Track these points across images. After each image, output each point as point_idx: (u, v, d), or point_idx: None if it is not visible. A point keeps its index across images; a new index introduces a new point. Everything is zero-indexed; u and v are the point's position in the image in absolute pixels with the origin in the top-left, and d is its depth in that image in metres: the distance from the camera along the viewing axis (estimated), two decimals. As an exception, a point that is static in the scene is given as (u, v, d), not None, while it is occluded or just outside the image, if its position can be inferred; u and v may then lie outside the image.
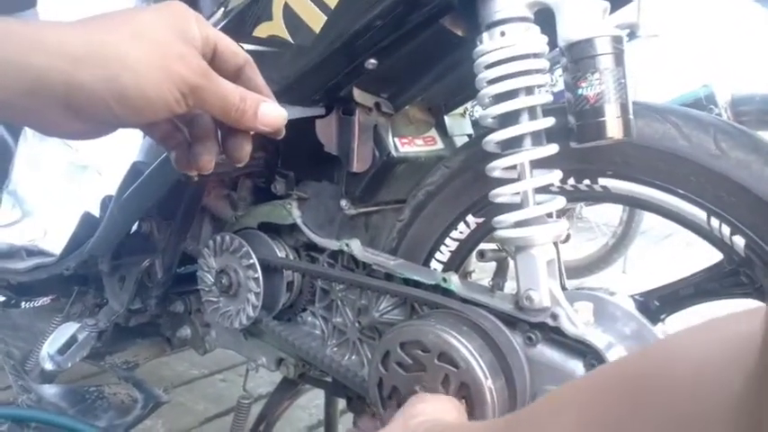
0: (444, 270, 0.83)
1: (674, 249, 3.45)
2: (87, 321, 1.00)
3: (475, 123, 1.06)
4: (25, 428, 0.81)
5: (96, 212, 1.04)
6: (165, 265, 1.01)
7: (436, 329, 0.64)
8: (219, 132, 0.48)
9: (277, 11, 0.72)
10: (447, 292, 0.73)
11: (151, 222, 0.99)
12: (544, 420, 0.37)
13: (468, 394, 0.62)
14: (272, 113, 0.46)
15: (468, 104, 1.00)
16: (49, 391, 0.97)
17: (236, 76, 0.46)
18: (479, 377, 0.61)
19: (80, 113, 0.39)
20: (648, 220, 3.01)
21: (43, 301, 1.53)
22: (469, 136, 0.99)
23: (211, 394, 1.57)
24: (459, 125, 0.99)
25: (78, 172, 1.31)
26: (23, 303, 1.59)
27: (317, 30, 0.69)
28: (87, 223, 1.03)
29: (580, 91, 0.61)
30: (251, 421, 1.06)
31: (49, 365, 0.98)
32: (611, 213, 3.15)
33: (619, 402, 0.32)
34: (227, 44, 0.45)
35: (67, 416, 0.88)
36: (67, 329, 1.00)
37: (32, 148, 1.38)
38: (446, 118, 0.96)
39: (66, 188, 1.34)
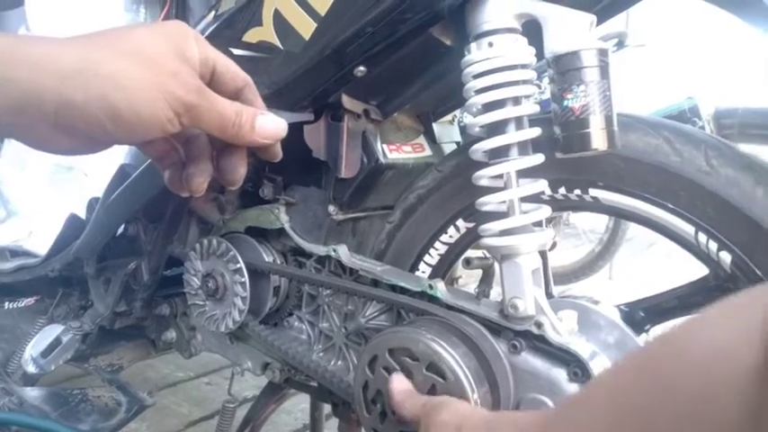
0: (433, 274, 0.84)
1: (659, 257, 3.49)
2: (72, 324, 0.99)
3: (463, 131, 1.07)
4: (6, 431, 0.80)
5: (82, 214, 1.03)
6: (151, 268, 1.01)
7: (427, 338, 0.64)
8: (215, 154, 0.48)
9: (267, 16, 0.72)
10: (433, 299, 0.74)
11: (138, 225, 0.99)
12: (582, 415, 0.38)
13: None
14: (270, 125, 0.46)
15: (457, 112, 1.01)
16: (32, 393, 0.96)
17: (234, 97, 0.46)
18: (466, 390, 0.61)
19: (70, 131, 0.38)
20: (634, 227, 3.03)
21: (27, 302, 1.51)
22: (458, 143, 0.99)
23: (196, 397, 1.56)
24: (448, 132, 1.00)
25: (64, 173, 1.30)
26: (7, 304, 1.57)
27: (307, 36, 0.69)
28: (73, 225, 1.03)
29: (566, 102, 0.62)
30: (236, 425, 1.06)
31: (31, 368, 0.97)
32: (598, 220, 3.18)
33: (643, 392, 0.33)
34: (226, 65, 0.45)
35: (50, 419, 0.87)
36: (51, 332, 0.99)
37: (18, 149, 1.37)
38: (434, 125, 0.96)
39: (52, 189, 1.33)
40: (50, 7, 1.13)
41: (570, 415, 0.41)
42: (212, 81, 0.44)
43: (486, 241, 0.67)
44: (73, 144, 0.40)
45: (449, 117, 1.00)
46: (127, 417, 0.93)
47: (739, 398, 0.27)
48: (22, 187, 1.37)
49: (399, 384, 0.62)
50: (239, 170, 0.48)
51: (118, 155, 0.95)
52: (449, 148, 0.97)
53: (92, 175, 1.25)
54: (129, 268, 0.97)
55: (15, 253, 1.28)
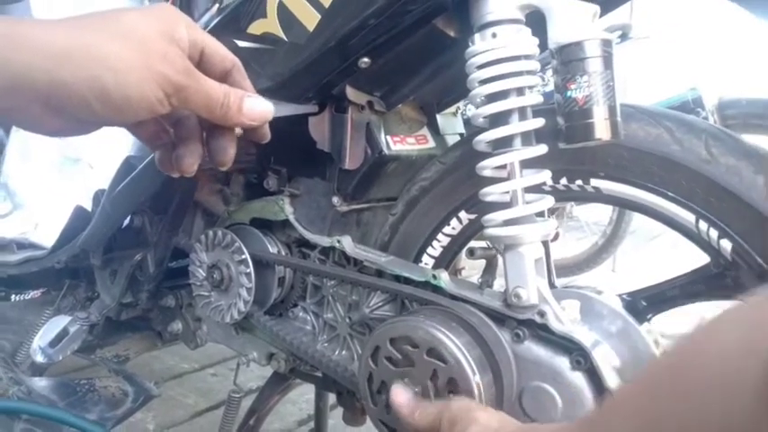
0: (436, 265, 0.84)
1: (662, 249, 3.48)
2: (78, 315, 1.00)
3: (467, 122, 1.07)
4: (16, 420, 0.81)
5: (88, 206, 1.04)
6: (157, 260, 1.01)
7: (425, 325, 0.65)
8: (205, 135, 0.48)
9: (271, 8, 0.72)
10: (437, 289, 0.74)
11: (143, 216, 0.99)
12: (612, 425, 0.39)
13: (455, 389, 0.62)
14: (257, 107, 0.47)
15: (461, 103, 1.01)
16: (40, 383, 0.97)
17: (222, 79, 0.47)
18: (467, 373, 0.62)
19: (61, 111, 0.39)
20: (637, 220, 3.03)
21: (34, 294, 1.52)
22: (461, 135, 1.00)
23: (202, 388, 1.58)
24: (451, 124, 1.00)
25: (70, 165, 1.31)
26: (14, 296, 1.58)
27: (311, 28, 0.70)
28: (79, 217, 1.03)
29: (569, 93, 0.62)
30: (241, 415, 1.07)
31: (39, 358, 0.98)
32: (601, 213, 3.18)
33: (667, 398, 0.33)
34: (215, 47, 0.46)
35: (58, 408, 0.88)
36: (58, 322, 1.00)
37: (24, 141, 1.38)
38: (438, 117, 0.97)
39: (57, 181, 1.34)
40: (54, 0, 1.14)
41: (597, 425, 0.41)
42: (201, 63, 0.45)
43: (490, 231, 0.68)
44: (63, 125, 0.40)
45: (452, 109, 1.00)
46: (133, 407, 0.94)
47: (752, 402, 0.27)
48: (28, 180, 1.38)
49: (401, 396, 0.60)
50: (229, 151, 0.49)
51: (123, 147, 0.96)
52: (452, 139, 0.97)
53: (97, 167, 1.25)
54: (135, 260, 0.98)
55: (22, 245, 1.29)
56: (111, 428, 0.89)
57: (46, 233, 1.24)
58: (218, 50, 0.46)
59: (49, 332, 0.99)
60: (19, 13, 1.31)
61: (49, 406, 0.88)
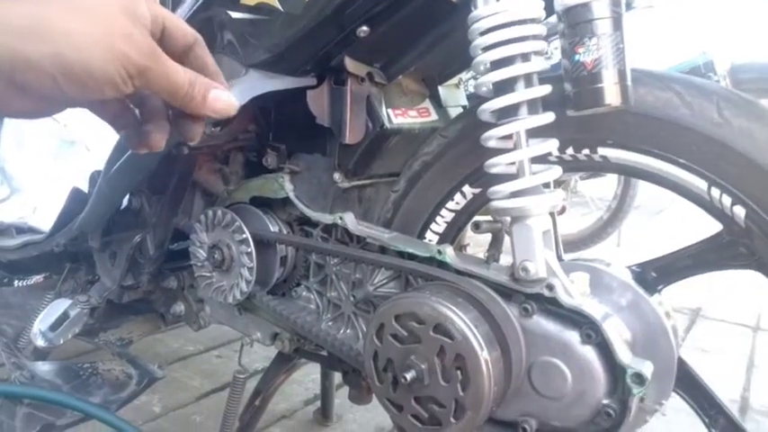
0: (440, 241, 0.83)
1: (667, 223, 3.46)
2: (79, 298, 0.99)
3: (470, 95, 1.04)
4: (18, 405, 0.80)
5: (85, 188, 1.02)
6: (157, 241, 1.00)
7: (431, 301, 0.63)
8: (171, 112, 0.47)
9: (265, -23, 0.70)
10: (442, 265, 0.73)
11: (141, 197, 0.98)
12: None
13: (463, 365, 0.61)
14: (221, 101, 0.45)
15: (463, 75, 0.99)
16: (43, 368, 0.97)
17: (184, 55, 0.45)
18: (475, 348, 0.60)
19: (26, 89, 0.38)
20: (642, 194, 3.01)
21: (36, 279, 1.52)
22: (464, 107, 0.97)
23: (207, 370, 1.57)
24: (454, 96, 0.97)
25: (66, 147, 1.29)
26: (16, 282, 1.58)
27: (307, -4, 0.67)
28: (76, 199, 1.02)
29: (577, 57, 0.60)
30: (247, 396, 1.06)
31: (40, 342, 0.97)
32: (606, 188, 3.15)
33: None
34: (176, 23, 0.44)
35: (61, 392, 0.87)
36: (59, 306, 0.99)
37: (19, 125, 1.36)
38: (440, 89, 0.94)
39: (54, 164, 1.32)
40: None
41: None
42: (163, 39, 0.43)
43: (496, 204, 0.66)
44: (28, 105, 0.40)
45: (455, 80, 0.97)
46: (137, 389, 0.93)
47: None
48: (25, 164, 1.36)
49: None
50: (196, 128, 0.48)
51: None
52: (455, 112, 0.95)
53: (94, 149, 1.23)
54: (135, 241, 0.97)
55: (21, 230, 1.28)
56: (116, 411, 0.88)
57: (44, 217, 1.22)
58: (180, 26, 0.44)
59: (50, 316, 0.98)
60: None
61: (51, 390, 0.87)
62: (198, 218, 0.95)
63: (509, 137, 0.65)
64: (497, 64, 0.64)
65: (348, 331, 0.87)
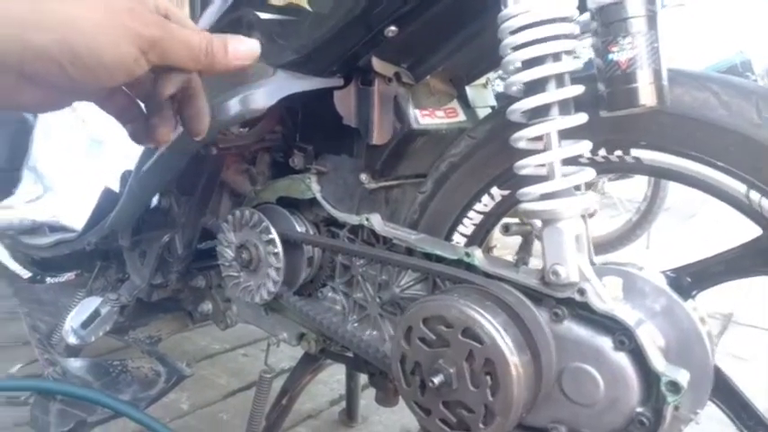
0: (468, 244, 0.82)
1: (698, 227, 3.38)
2: (109, 296, 1.00)
3: (498, 95, 1.03)
4: (51, 401, 0.82)
5: (116, 187, 1.03)
6: (185, 240, 1.01)
7: (459, 304, 0.63)
8: (177, 106, 0.46)
9: (294, -23, 0.69)
10: (470, 267, 0.72)
11: (170, 197, 0.99)
12: None
13: (493, 370, 0.60)
14: (242, 47, 0.44)
15: (491, 75, 0.97)
16: (74, 364, 0.98)
17: None
18: (505, 353, 0.59)
19: (37, 80, 0.37)
20: (673, 196, 2.94)
21: (68, 276, 1.55)
22: (492, 108, 0.96)
23: (233, 369, 1.59)
24: (481, 96, 0.96)
25: (96, 147, 1.31)
26: (48, 279, 1.61)
27: (336, -4, 0.67)
28: (107, 198, 1.03)
29: (611, 56, 0.58)
30: (273, 395, 1.07)
31: (72, 339, 0.99)
32: (635, 189, 3.09)
33: None
34: (177, 14, 0.43)
35: (92, 389, 0.88)
36: (90, 304, 1.01)
37: (51, 124, 1.39)
38: (467, 89, 0.93)
39: (85, 163, 1.34)
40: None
41: None
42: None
43: (526, 206, 0.64)
44: (40, 96, 0.39)
45: (482, 80, 0.96)
46: (166, 387, 0.94)
47: None
48: (56, 163, 1.39)
49: None
50: (203, 118, 0.47)
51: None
52: (483, 112, 0.93)
53: (125, 149, 1.25)
54: (164, 240, 0.98)
55: (53, 228, 1.30)
56: (145, 409, 0.89)
57: (76, 215, 1.25)
58: (179, 17, 0.43)
59: (81, 313, 1.00)
60: None
61: (83, 386, 0.88)
62: (225, 218, 0.96)
63: (540, 138, 0.64)
64: (528, 63, 0.62)
65: (374, 333, 0.87)
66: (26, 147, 1.41)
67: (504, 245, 1.16)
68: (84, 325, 0.99)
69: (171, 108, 0.46)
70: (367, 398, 1.39)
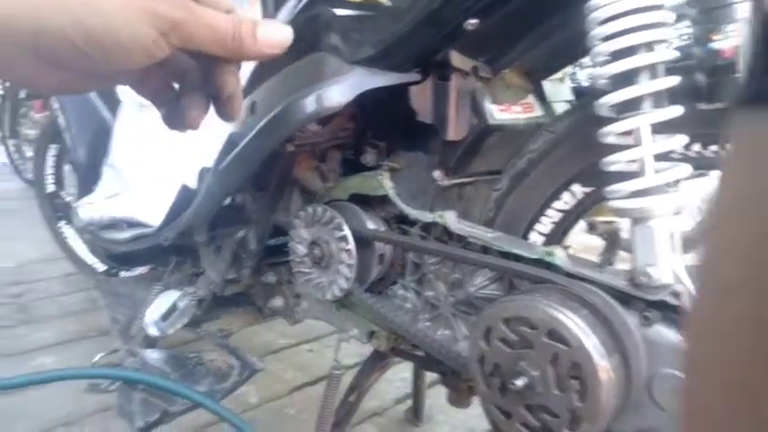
0: (546, 243, 0.79)
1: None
2: (187, 290, 1.03)
3: (574, 89, 1.00)
4: (134, 390, 0.85)
5: (193, 184, 1.06)
6: (258, 236, 1.02)
7: (544, 305, 0.60)
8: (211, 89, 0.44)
9: (373, -28, 0.69)
10: (550, 267, 0.69)
11: (244, 194, 1.00)
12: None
13: (580, 374, 0.58)
14: (273, 32, 0.40)
15: (568, 68, 0.94)
16: (153, 355, 1.02)
17: None
18: (594, 357, 0.57)
19: (55, 62, 0.36)
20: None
21: (140, 270, 1.61)
22: (569, 102, 0.93)
23: (299, 363, 1.61)
24: (558, 91, 0.93)
25: (175, 144, 1.35)
26: (122, 273, 1.68)
27: (416, -10, 0.66)
28: (184, 195, 1.06)
29: (712, 45, 0.55)
30: (341, 391, 1.07)
31: (153, 331, 1.02)
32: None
33: None
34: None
35: (171, 380, 0.91)
36: (168, 297, 1.04)
37: (129, 122, 1.44)
38: (544, 83, 0.90)
39: (162, 160, 1.38)
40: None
41: None
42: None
43: (616, 204, 0.62)
44: (61, 80, 0.38)
45: (559, 75, 0.93)
46: (240, 380, 0.96)
47: None
48: (135, 160, 1.44)
49: None
50: (236, 103, 0.44)
51: (226, 124, 0.97)
52: (559, 107, 0.90)
53: (201, 146, 1.28)
54: (238, 236, 0.99)
55: (131, 224, 1.35)
56: (220, 401, 0.91)
57: (152, 211, 1.29)
58: (212, 1, 0.40)
59: (161, 306, 1.03)
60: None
61: (163, 378, 0.91)
62: (296, 214, 0.97)
63: (630, 132, 0.61)
64: (618, 54, 0.60)
65: (446, 332, 0.85)
66: (105, 145, 1.47)
67: (580, 245, 1.12)
68: (164, 317, 1.02)
69: (203, 89, 0.44)
70: (432, 397, 1.38)
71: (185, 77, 0.44)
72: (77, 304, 1.92)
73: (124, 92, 1.49)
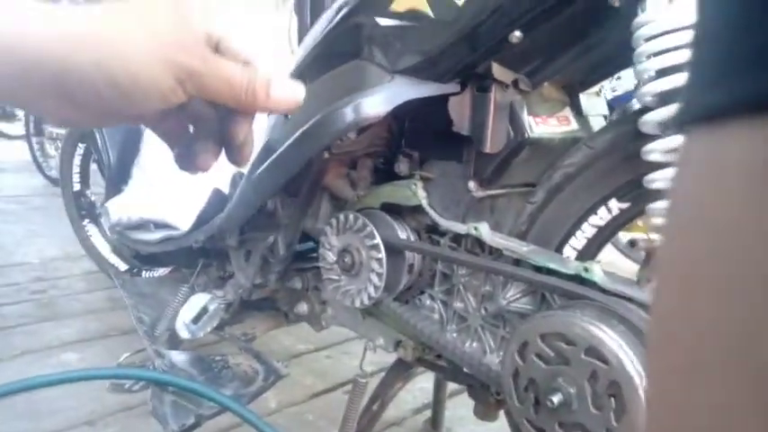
0: (579, 257, 0.79)
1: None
2: (216, 293, 1.03)
3: (610, 103, 0.99)
4: (165, 392, 0.85)
5: (223, 188, 1.07)
6: (287, 242, 1.03)
7: (583, 322, 0.60)
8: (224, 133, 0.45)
9: (417, -17, 0.69)
10: (587, 283, 0.69)
11: (276, 200, 1.01)
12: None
13: (618, 393, 0.57)
14: (286, 93, 0.42)
15: (606, 82, 0.94)
16: (179, 357, 1.02)
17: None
18: (633, 376, 0.56)
19: (73, 100, 0.37)
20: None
21: (162, 271, 1.62)
22: (605, 117, 0.92)
23: (318, 369, 1.61)
24: (594, 105, 0.93)
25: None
26: (144, 273, 1.69)
27: (461, 2, 0.66)
28: (217, 199, 1.07)
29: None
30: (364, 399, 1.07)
31: (185, 334, 1.03)
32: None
33: None
34: (229, 43, 0.41)
35: (200, 383, 0.92)
36: (199, 300, 1.05)
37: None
38: (581, 96, 0.90)
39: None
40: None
41: None
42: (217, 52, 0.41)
43: (657, 221, 0.61)
44: (81, 115, 0.39)
45: (596, 88, 0.92)
46: (265, 385, 0.96)
47: None
48: (164, 162, 1.45)
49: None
50: (246, 150, 0.45)
51: (260, 130, 0.97)
52: (595, 121, 0.90)
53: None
54: (268, 242, 1.00)
55: (158, 225, 1.37)
56: (247, 405, 0.91)
57: (182, 214, 1.30)
58: (232, 50, 0.41)
59: (192, 309, 1.04)
60: None
61: (192, 381, 0.91)
62: (325, 221, 0.97)
63: (675, 150, 0.60)
64: (665, 72, 0.59)
65: (474, 344, 0.85)
66: (136, 146, 1.49)
67: (610, 261, 1.11)
68: (195, 320, 1.02)
69: (216, 135, 0.44)
70: (451, 408, 1.37)
71: (200, 122, 0.45)
72: (99, 302, 1.94)
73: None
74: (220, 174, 1.12)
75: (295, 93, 0.43)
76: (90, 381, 1.06)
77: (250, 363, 1.03)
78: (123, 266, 1.82)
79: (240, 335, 1.19)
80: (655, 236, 0.67)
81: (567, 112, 0.88)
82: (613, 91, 1.63)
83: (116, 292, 1.83)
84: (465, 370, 0.86)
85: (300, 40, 0.93)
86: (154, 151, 1.47)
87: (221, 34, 0.41)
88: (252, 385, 0.96)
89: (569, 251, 0.80)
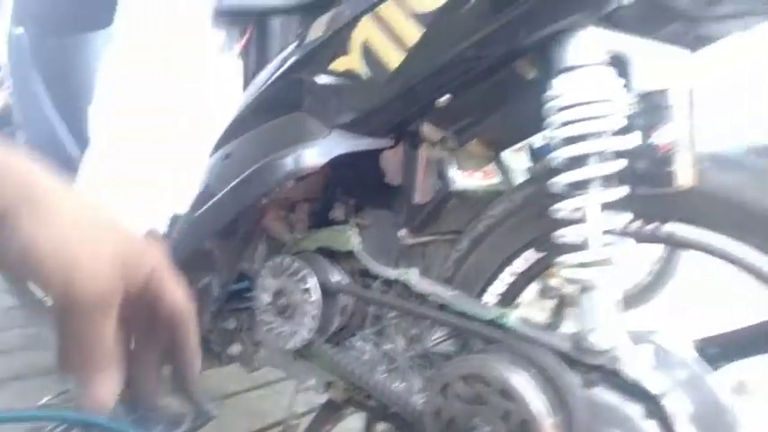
0: (500, 302, 0.85)
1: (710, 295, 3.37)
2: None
3: (533, 157, 1.07)
4: (88, 433, 0.83)
5: (160, 228, 1.07)
6: (222, 283, 1.04)
7: (499, 365, 0.65)
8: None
9: (355, 46, 0.75)
10: (504, 328, 0.74)
11: (212, 240, 1.02)
12: None
13: (527, 430, 0.62)
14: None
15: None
16: (105, 398, 1.00)
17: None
18: (540, 415, 0.62)
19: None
20: (687, 260, 2.95)
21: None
22: (529, 168, 1.00)
23: (250, 409, 1.59)
24: (516, 159, 1.01)
25: (143, 188, 1.36)
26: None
27: (394, 66, 0.72)
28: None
29: (652, 139, 0.63)
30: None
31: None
32: (648, 252, 3.10)
33: None
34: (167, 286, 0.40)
35: (125, 423, 0.90)
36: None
37: (96, 163, 1.43)
38: (504, 152, 0.97)
39: (130, 204, 1.38)
40: (138, 30, 1.19)
41: None
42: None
43: (565, 272, 0.68)
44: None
45: (519, 144, 1.01)
46: (194, 426, 0.95)
47: None
48: (102, 200, 1.43)
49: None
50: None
51: (199, 173, 0.99)
52: (518, 174, 0.98)
53: (171, 191, 1.30)
54: (203, 282, 1.01)
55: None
56: (174, 447, 0.90)
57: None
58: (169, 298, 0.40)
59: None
60: (100, 42, 1.37)
61: (115, 420, 0.90)
62: (261, 262, 0.99)
63: (579, 209, 0.67)
64: (571, 140, 0.67)
65: (402, 384, 0.88)
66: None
67: (531, 304, 1.18)
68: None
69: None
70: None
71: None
72: (11, 342, 1.84)
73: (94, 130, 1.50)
74: (156, 214, 1.12)
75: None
76: (5, 424, 1.01)
77: (179, 404, 1.02)
78: (51, 301, 1.75)
79: (170, 375, 1.18)
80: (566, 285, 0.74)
81: (491, 166, 0.96)
82: (543, 139, 1.73)
83: (32, 330, 1.74)
84: (393, 410, 0.89)
85: (245, 86, 0.97)
86: (89, 188, 1.44)
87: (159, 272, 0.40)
88: (179, 427, 0.96)
89: (492, 296, 0.86)
